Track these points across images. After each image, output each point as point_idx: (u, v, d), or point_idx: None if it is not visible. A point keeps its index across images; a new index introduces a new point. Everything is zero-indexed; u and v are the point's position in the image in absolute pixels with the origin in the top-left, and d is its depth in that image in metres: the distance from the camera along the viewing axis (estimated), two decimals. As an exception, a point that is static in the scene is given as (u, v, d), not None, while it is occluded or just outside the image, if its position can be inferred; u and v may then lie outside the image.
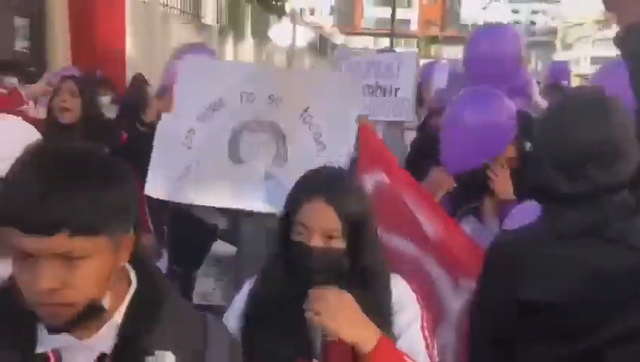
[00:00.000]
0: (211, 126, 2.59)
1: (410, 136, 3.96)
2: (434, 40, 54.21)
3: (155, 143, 2.64)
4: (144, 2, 11.20)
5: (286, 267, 1.56)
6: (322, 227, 1.51)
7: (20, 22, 8.93)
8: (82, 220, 0.95)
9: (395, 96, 3.33)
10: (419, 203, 2.31)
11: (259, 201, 2.54)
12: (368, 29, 59.66)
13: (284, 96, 2.54)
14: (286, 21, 18.59)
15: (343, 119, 2.50)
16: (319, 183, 1.58)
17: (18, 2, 8.85)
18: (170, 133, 2.65)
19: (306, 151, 2.51)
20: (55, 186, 0.94)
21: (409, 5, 68.23)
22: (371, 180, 2.41)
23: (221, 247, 2.81)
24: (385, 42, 44.74)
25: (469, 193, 2.63)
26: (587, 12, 72.63)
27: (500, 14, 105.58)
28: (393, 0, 31.94)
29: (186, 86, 2.64)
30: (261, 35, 18.89)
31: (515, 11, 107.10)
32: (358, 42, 50.44)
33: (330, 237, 1.52)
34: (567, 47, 68.37)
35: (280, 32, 18.43)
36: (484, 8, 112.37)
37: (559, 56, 53.42)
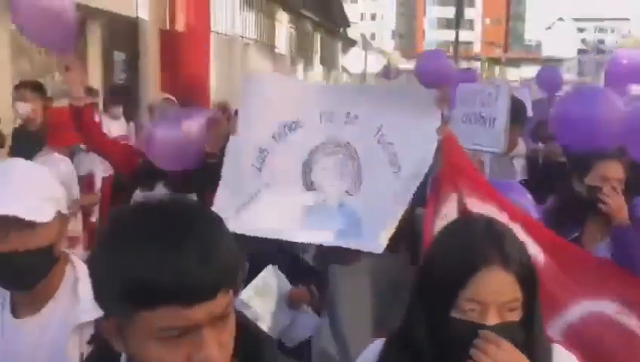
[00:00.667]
0: (286, 147, 2.39)
1: (519, 163, 4.01)
2: (497, 61, 53.68)
3: (224, 166, 2.44)
4: (226, 35, 12.03)
5: (443, 348, 1.24)
6: (501, 300, 1.20)
7: (118, 56, 9.81)
8: (232, 274, 0.89)
9: (493, 126, 3.40)
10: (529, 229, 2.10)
11: (332, 234, 2.32)
12: (430, 52, 59.69)
13: (360, 113, 2.37)
14: (357, 49, 19.16)
15: (419, 134, 2.30)
16: (491, 244, 1.22)
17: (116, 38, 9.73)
18: (240, 154, 2.43)
19: (382, 176, 2.33)
20: (197, 246, 0.85)
21: (471, 27, 67.99)
22: (454, 198, 2.23)
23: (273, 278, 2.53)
24: (447, 65, 44.68)
25: (571, 219, 2.59)
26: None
27: (565, 34, 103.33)
28: (457, 22, 32.09)
29: (259, 103, 2.43)
30: (329, 63, 19.57)
31: (581, 30, 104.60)
32: (420, 65, 50.55)
33: (509, 310, 1.22)
34: None
35: (352, 59, 18.99)
36: (549, 28, 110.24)
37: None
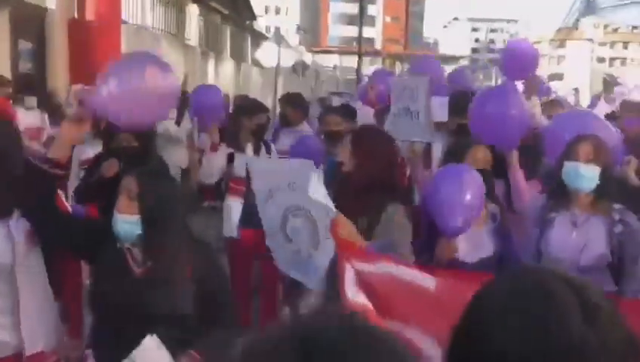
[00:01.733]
0: (270, 208, 2.76)
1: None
2: (398, 58, 55.58)
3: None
4: (136, 26, 11.87)
5: None
6: None
7: (24, 45, 9.46)
8: None
9: (418, 118, 3.69)
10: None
11: (307, 277, 2.67)
12: (334, 47, 60.85)
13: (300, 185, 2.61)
14: (270, 43, 19.35)
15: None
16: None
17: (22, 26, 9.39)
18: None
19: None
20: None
21: (373, 24, 69.79)
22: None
23: None
24: (349, 60, 45.83)
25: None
26: (543, 31, 75.09)
27: (460, 33, 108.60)
28: (360, 19, 32.93)
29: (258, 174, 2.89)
30: (238, 56, 19.63)
31: (475, 29, 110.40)
32: (325, 60, 51.44)
33: None
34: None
35: (264, 53, 19.15)
36: (445, 27, 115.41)
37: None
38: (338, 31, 70.84)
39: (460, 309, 1.04)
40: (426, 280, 2.33)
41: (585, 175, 2.85)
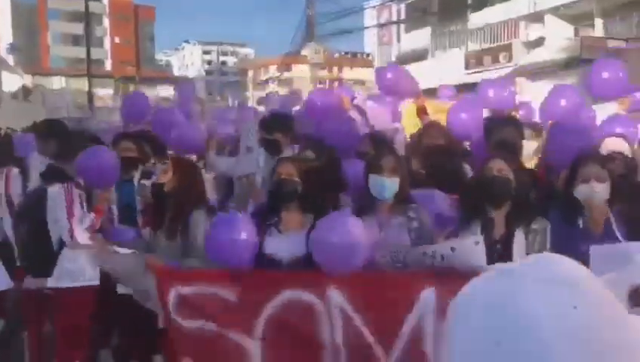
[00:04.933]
0: None
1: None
2: (131, 80, 53.66)
3: None
4: None
5: None
6: None
7: None
8: None
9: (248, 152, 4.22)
10: None
11: None
12: (59, 68, 56.15)
13: None
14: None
15: None
16: None
17: None
18: None
19: None
20: None
21: (101, 45, 66.30)
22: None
23: None
24: (78, 82, 42.66)
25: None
26: (270, 55, 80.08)
27: (193, 55, 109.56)
28: (88, 39, 30.86)
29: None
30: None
31: (207, 52, 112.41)
32: (48, 83, 47.06)
33: None
34: (258, 86, 74.37)
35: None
36: (177, 49, 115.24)
37: (252, 95, 57.82)
38: (61, 51, 65.54)
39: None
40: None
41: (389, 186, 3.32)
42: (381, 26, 42.07)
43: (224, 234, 3.05)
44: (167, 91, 46.54)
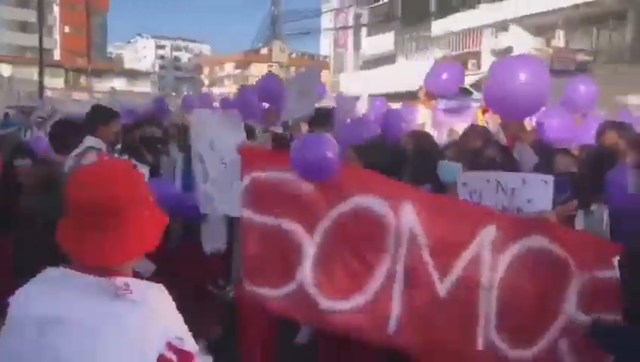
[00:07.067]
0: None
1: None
2: (83, 71, 51.87)
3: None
4: None
5: None
6: None
7: None
8: None
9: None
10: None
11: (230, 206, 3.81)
12: (4, 55, 53.70)
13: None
14: None
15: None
16: None
17: None
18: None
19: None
20: None
21: (50, 34, 63.85)
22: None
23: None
24: (24, 72, 40.82)
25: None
26: (226, 54, 79.01)
27: (145, 49, 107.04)
28: (40, 27, 29.56)
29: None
30: None
31: (161, 47, 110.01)
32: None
33: None
34: (214, 83, 73.30)
35: None
36: (129, 42, 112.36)
37: (210, 91, 57.06)
38: (10, 38, 62.75)
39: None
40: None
41: None
42: (344, 29, 42.09)
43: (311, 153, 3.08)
44: (119, 84, 45.12)
